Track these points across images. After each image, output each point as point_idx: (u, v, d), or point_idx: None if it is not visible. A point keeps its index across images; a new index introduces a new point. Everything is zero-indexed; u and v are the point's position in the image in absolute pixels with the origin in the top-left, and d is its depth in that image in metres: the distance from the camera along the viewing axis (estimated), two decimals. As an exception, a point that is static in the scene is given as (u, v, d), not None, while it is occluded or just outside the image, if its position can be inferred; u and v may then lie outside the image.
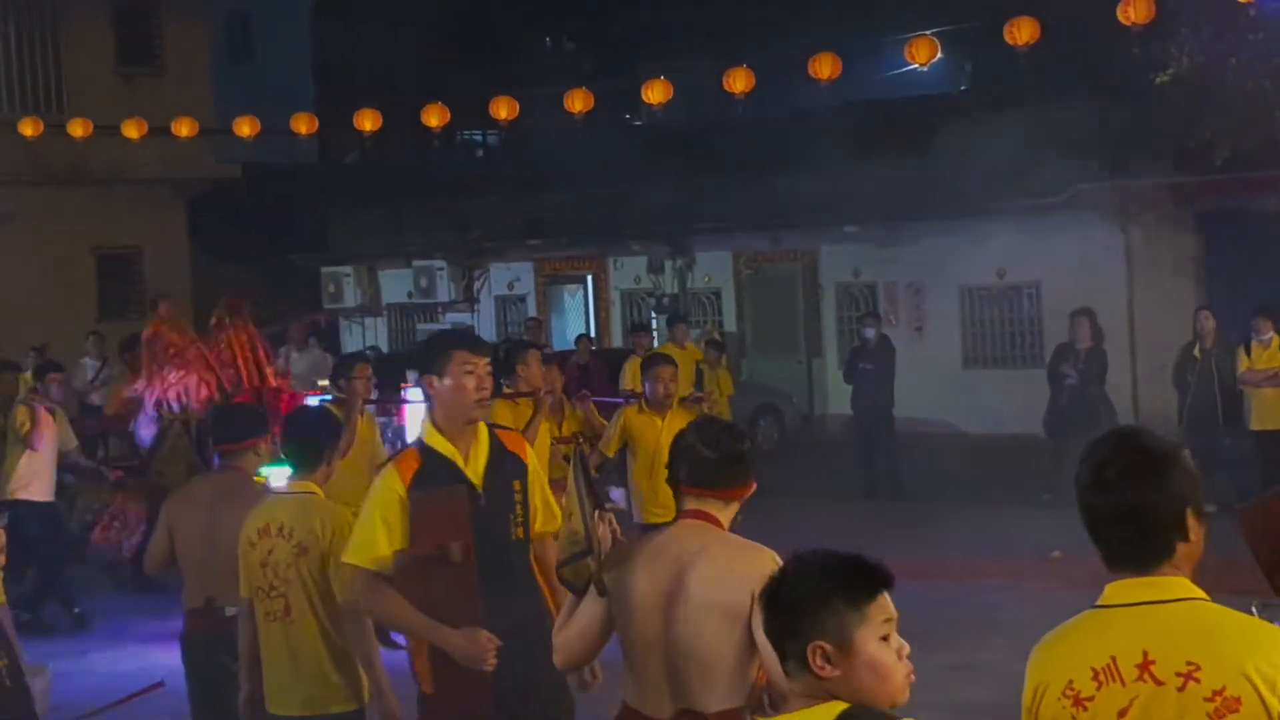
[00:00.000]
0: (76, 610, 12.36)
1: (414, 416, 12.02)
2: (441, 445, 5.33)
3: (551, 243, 26.59)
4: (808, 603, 2.99)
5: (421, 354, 5.61)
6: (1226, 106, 17.13)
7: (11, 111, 23.95)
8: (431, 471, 5.28)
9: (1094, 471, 3.19)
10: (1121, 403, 17.44)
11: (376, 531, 5.20)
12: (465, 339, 5.68)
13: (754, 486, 4.49)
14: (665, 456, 9.14)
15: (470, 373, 5.33)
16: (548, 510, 5.51)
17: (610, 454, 10.18)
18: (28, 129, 20.40)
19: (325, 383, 12.74)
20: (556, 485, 9.95)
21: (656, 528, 8.81)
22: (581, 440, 10.75)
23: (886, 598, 3.03)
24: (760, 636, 4.07)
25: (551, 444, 10.11)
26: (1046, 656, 3.22)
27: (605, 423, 10.53)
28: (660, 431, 9.70)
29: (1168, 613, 3.06)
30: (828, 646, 2.95)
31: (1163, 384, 16.62)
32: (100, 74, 26.72)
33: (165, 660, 9.26)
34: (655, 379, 9.91)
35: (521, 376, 9.73)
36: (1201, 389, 14.96)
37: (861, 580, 3.02)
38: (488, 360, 5.38)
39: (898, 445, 17.42)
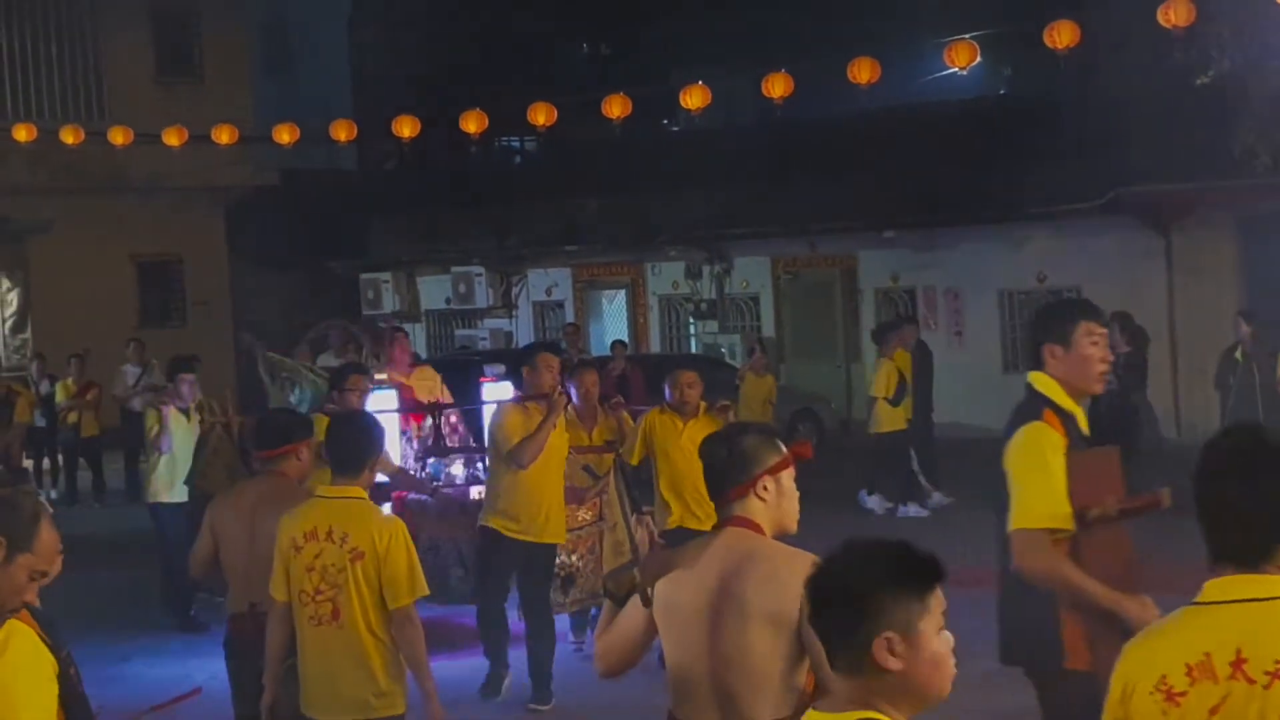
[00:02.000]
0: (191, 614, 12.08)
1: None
2: (1070, 406, 5.35)
3: (589, 248, 26.63)
4: (873, 593, 2.93)
5: (1043, 323, 5.57)
6: (1267, 109, 17.04)
7: (52, 120, 24.11)
8: (1069, 431, 5.29)
9: (1207, 463, 3.17)
10: (1162, 406, 17.36)
11: (1053, 488, 5.01)
12: (1090, 309, 5.55)
13: (761, 478, 4.35)
14: (685, 463, 8.97)
15: (1095, 342, 5.37)
16: None
17: (634, 461, 9.85)
18: (68, 137, 20.54)
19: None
20: (575, 492, 10.01)
21: (686, 534, 8.65)
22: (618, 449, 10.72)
23: (939, 589, 3.01)
24: (813, 643, 4.07)
25: (571, 452, 9.86)
26: (1139, 654, 3.19)
27: None
28: (680, 436, 9.59)
29: (1264, 610, 3.04)
30: (895, 637, 2.91)
31: (1204, 388, 16.55)
32: (140, 82, 26.91)
33: (207, 665, 9.31)
34: (674, 384, 9.80)
35: (529, 380, 9.48)
36: (1243, 393, 14.89)
37: (923, 570, 2.98)
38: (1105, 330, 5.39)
39: (936, 450, 17.37)
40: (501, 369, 14.28)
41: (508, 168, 31.51)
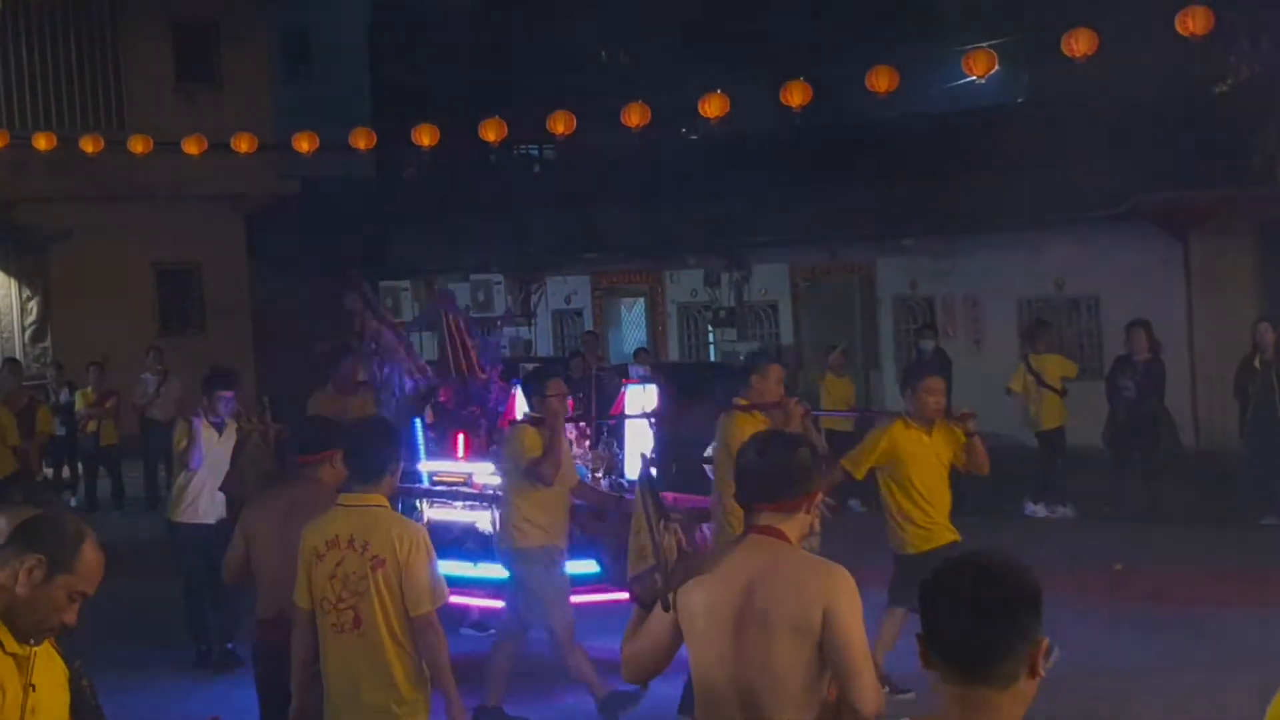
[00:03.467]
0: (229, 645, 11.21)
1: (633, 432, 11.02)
2: None
3: (608, 256, 26.65)
4: (1038, 599, 2.95)
5: None
6: (1286, 117, 17.01)
7: (73, 128, 24.21)
8: None
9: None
10: (1180, 415, 17.32)
11: None
12: None
13: (814, 496, 4.45)
14: (932, 479, 8.86)
15: None
16: None
17: (859, 475, 9.22)
18: (89, 145, 20.61)
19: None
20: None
21: (926, 556, 8.50)
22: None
23: None
24: (848, 653, 4.09)
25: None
26: None
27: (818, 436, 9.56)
28: (926, 449, 9.03)
29: None
30: (1045, 644, 2.96)
31: (1222, 396, 16.51)
32: (160, 91, 27.01)
33: (231, 694, 9.25)
34: (927, 391, 9.06)
35: (756, 388, 8.87)
36: (1262, 401, 14.85)
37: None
38: None
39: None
40: (645, 370, 13.41)
41: (527, 176, 31.55)
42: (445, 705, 5.86)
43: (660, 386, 11.66)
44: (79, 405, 20.02)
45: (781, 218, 23.88)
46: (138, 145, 20.55)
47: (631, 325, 28.25)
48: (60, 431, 20.07)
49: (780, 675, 4.23)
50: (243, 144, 20.39)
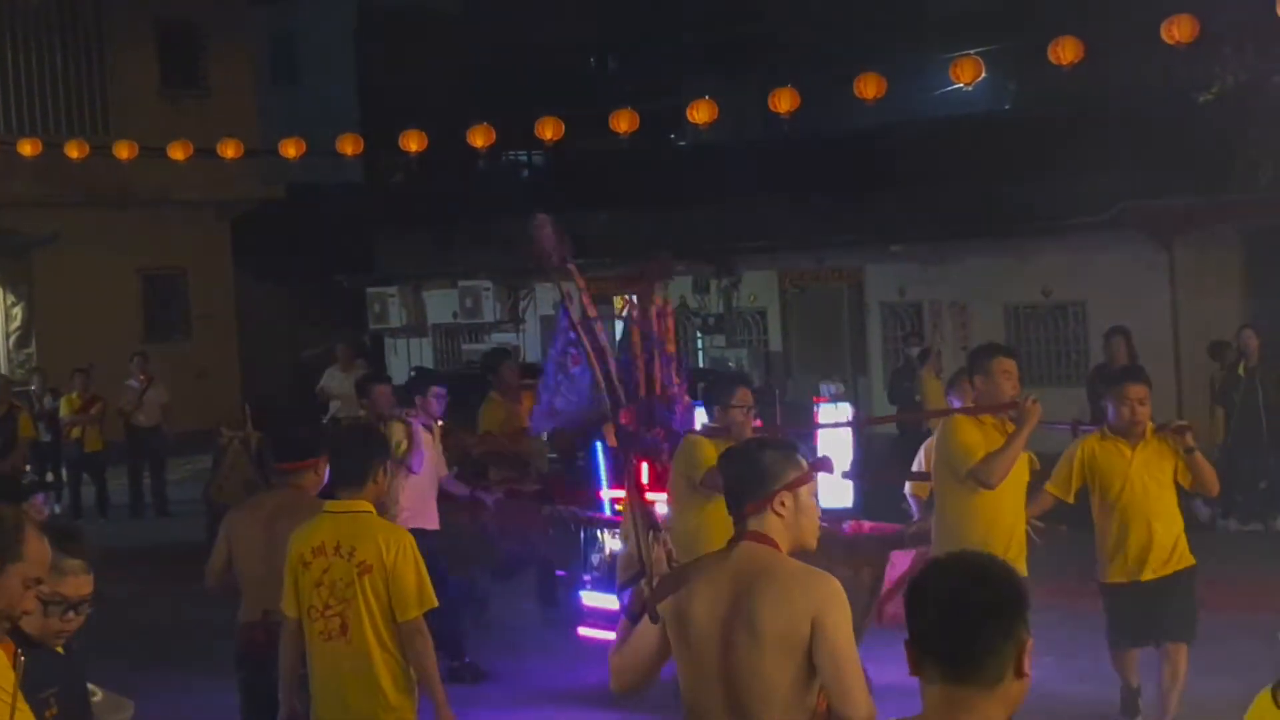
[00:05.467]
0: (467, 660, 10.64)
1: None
2: None
3: (596, 262, 26.63)
4: (1024, 601, 2.97)
5: None
6: (1270, 124, 17.06)
7: (57, 134, 24.15)
8: None
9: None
10: (1165, 421, 17.32)
11: None
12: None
13: (781, 493, 4.33)
14: (1138, 500, 7.93)
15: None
16: None
17: (1070, 497, 8.22)
18: (73, 151, 20.57)
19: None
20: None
21: (1127, 588, 7.87)
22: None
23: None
24: (837, 662, 4.08)
25: None
26: None
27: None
28: (1130, 465, 8.02)
29: None
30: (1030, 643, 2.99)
31: (1208, 402, 16.53)
32: (145, 96, 26.97)
33: (215, 699, 9.19)
34: (1122, 399, 8.09)
35: (983, 389, 7.97)
36: (1246, 407, 14.90)
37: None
38: None
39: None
40: (838, 388, 12.54)
41: (515, 182, 31.53)
42: (434, 711, 5.86)
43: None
44: (64, 411, 19.97)
45: (770, 224, 23.88)
46: (123, 151, 20.52)
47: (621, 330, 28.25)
48: (46, 438, 20.04)
49: (769, 685, 4.20)
50: (228, 149, 20.37)
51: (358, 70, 33.38)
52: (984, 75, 15.58)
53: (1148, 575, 7.91)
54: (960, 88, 15.64)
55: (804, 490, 4.38)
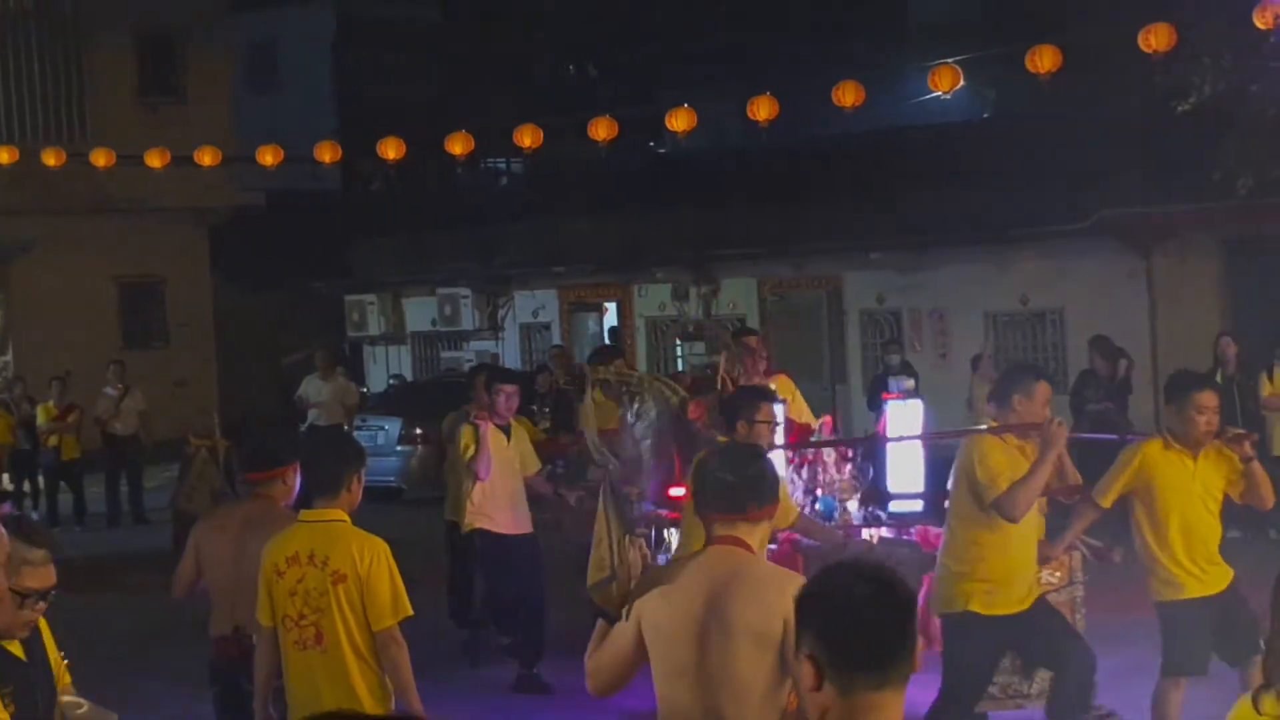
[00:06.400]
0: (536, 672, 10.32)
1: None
2: None
3: (576, 270, 26.63)
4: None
5: None
6: (1248, 134, 17.11)
7: (34, 141, 24.05)
8: None
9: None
10: (1144, 428, 17.37)
11: None
12: None
13: (776, 506, 4.51)
14: (1195, 514, 7.46)
15: None
16: None
17: (1106, 504, 7.66)
18: (50, 159, 20.48)
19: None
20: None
21: (1193, 604, 7.37)
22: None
23: None
24: (796, 663, 4.08)
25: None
26: None
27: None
28: (1193, 479, 7.50)
29: None
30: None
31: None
32: (123, 103, 26.89)
33: (192, 709, 9.13)
34: (1199, 408, 7.47)
35: (1019, 409, 7.49)
36: (1224, 415, 14.90)
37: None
38: None
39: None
40: (909, 384, 12.02)
41: (494, 189, 31.54)
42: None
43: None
44: (40, 419, 19.89)
45: (749, 231, 23.91)
46: (100, 158, 20.44)
47: (599, 339, 28.24)
48: (26, 446, 19.95)
49: (742, 684, 4.24)
50: (206, 157, 20.30)
51: (336, 78, 33.36)
52: (962, 84, 15.59)
53: (1215, 589, 7.52)
54: (938, 96, 15.66)
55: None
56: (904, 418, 9.36)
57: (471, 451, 10.10)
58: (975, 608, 7.24)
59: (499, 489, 10.23)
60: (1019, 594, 7.33)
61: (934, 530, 8.80)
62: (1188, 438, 7.51)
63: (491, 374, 10.85)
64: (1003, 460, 7.30)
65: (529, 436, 11.02)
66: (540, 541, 10.62)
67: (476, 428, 10.11)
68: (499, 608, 10.60)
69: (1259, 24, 13.97)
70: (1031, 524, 7.44)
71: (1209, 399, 7.53)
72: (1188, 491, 7.51)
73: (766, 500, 4.43)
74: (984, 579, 7.27)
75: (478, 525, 10.29)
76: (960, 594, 7.33)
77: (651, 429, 9.83)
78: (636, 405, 9.98)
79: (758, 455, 4.55)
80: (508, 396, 10.25)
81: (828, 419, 10.80)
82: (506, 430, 10.29)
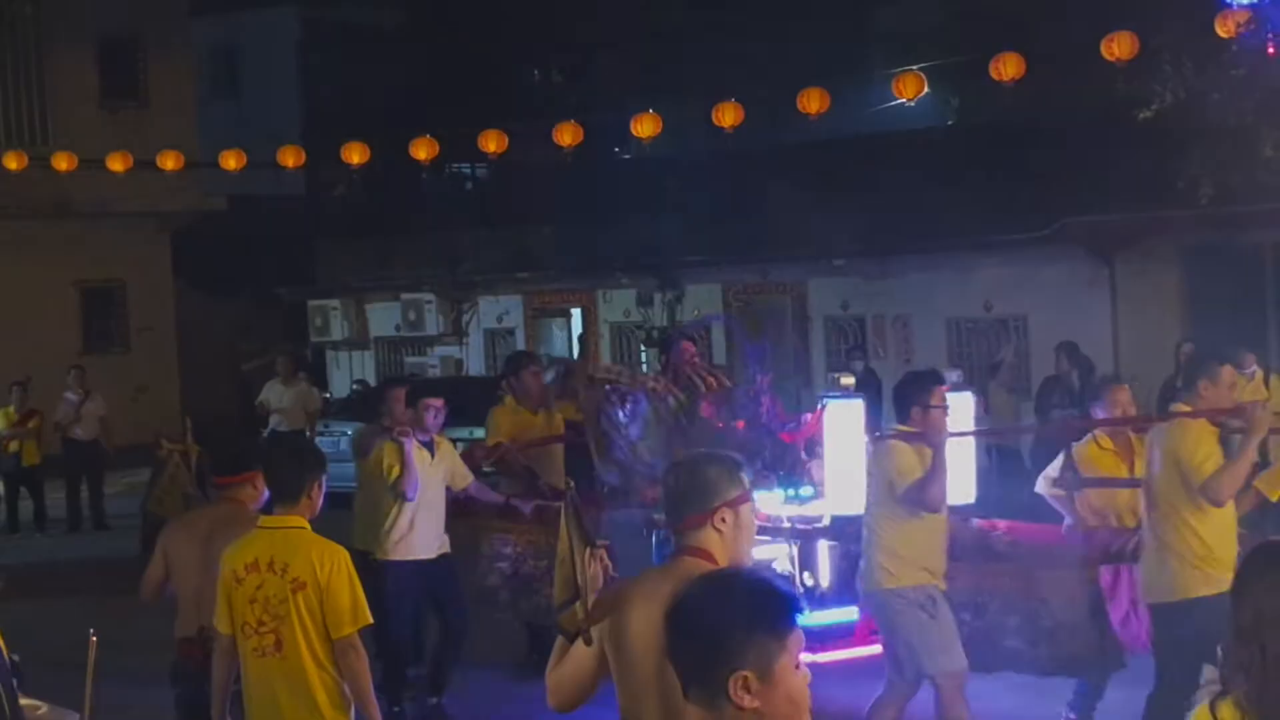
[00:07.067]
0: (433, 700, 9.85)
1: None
2: None
3: (540, 276, 26.60)
4: (732, 630, 2.90)
5: None
6: (1209, 142, 17.20)
7: (-4, 144, 23.91)
8: None
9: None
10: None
11: None
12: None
13: (723, 509, 4.31)
14: None
15: None
16: None
17: (1275, 496, 7.90)
18: (12, 163, 20.37)
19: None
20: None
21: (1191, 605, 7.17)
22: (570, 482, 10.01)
23: (799, 625, 2.98)
24: None
25: None
26: None
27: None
28: None
29: None
30: (751, 676, 2.88)
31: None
32: (85, 108, 26.73)
33: (153, 716, 9.07)
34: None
35: (1206, 395, 7.58)
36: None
37: (783, 608, 2.94)
38: None
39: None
40: (850, 381, 11.98)
41: (459, 195, 31.48)
42: (369, 728, 5.80)
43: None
44: (0, 425, 19.74)
45: (714, 238, 23.92)
46: (62, 162, 20.33)
47: (564, 345, 28.21)
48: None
49: None
50: (168, 161, 20.22)
51: (300, 82, 33.22)
52: (926, 91, 15.65)
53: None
54: (903, 103, 15.71)
55: (744, 507, 4.33)
56: (844, 418, 9.09)
57: (396, 471, 9.37)
58: (1201, 591, 7.22)
59: (422, 511, 9.50)
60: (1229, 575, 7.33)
61: (1002, 523, 8.74)
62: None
63: (415, 389, 10.32)
64: (1213, 446, 7.39)
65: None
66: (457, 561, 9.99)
67: (401, 445, 9.38)
68: (404, 641, 9.85)
69: (1220, 32, 14.09)
70: (1232, 508, 7.48)
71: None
72: None
73: (704, 504, 4.28)
74: (1203, 560, 7.32)
75: (395, 556, 9.54)
76: (1185, 579, 7.36)
77: (651, 429, 9.59)
78: (629, 406, 9.70)
79: (705, 460, 4.46)
80: (436, 412, 9.63)
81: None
82: (430, 447, 9.60)
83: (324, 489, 5.99)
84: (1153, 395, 16.07)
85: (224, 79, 33.22)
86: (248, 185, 24.15)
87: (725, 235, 23.80)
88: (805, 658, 3.01)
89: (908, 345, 23.04)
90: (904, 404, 7.86)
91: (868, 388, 17.56)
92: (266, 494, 6.44)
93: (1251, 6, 14.29)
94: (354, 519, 9.92)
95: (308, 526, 5.90)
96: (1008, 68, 14.42)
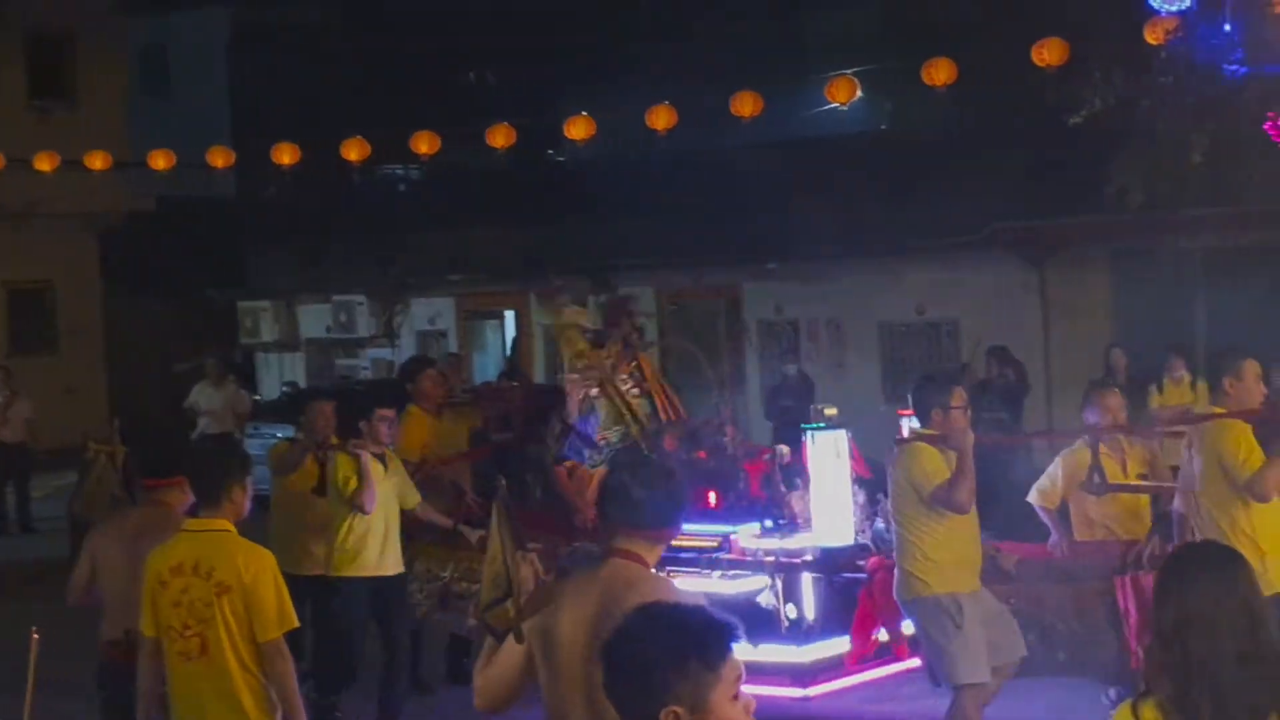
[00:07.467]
0: None
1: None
2: None
3: (473, 278, 26.50)
4: (661, 664, 2.84)
5: None
6: (1139, 148, 17.37)
7: (-78, 143, 23.57)
8: None
9: None
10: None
11: None
12: None
13: (680, 528, 4.46)
14: None
15: None
16: None
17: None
18: (-62, 162, 20.08)
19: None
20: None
21: None
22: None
23: (736, 654, 2.92)
24: None
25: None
26: None
27: None
28: None
29: None
30: (682, 711, 2.82)
31: (1078, 420, 16.76)
32: (13, 107, 26.41)
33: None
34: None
35: (1233, 394, 7.57)
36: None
37: (716, 639, 2.88)
38: None
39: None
40: (833, 412, 11.77)
41: (392, 196, 31.29)
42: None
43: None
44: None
45: (648, 241, 23.91)
46: (-12, 162, 20.06)
47: (497, 348, 28.15)
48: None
49: None
50: (97, 161, 20.00)
51: (231, 83, 32.94)
52: (859, 95, 15.72)
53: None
54: (836, 107, 15.76)
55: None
56: (828, 449, 9.16)
57: (354, 484, 9.18)
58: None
59: (376, 525, 9.31)
60: None
61: (1004, 545, 8.67)
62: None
63: (366, 401, 10.10)
64: (1253, 442, 7.36)
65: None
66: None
67: (357, 458, 9.21)
68: (351, 661, 9.58)
69: (1149, 40, 14.22)
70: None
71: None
72: None
73: (671, 522, 4.38)
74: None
75: (349, 572, 9.35)
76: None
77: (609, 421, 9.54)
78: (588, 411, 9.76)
79: (671, 475, 4.49)
80: (390, 424, 9.47)
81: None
82: (383, 460, 9.42)
83: (250, 492, 5.95)
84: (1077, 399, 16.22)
85: (154, 79, 32.91)
86: (178, 186, 23.93)
87: (659, 238, 23.80)
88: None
89: (840, 349, 23.13)
90: (924, 407, 7.80)
91: (801, 391, 17.64)
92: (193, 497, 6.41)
93: (1180, 14, 14.43)
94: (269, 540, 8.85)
95: (233, 530, 5.88)
96: (939, 73, 14.51)
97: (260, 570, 5.74)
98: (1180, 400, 14.73)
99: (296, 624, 5.85)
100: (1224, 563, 3.55)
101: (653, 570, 4.38)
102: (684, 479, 4.50)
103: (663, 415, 10.17)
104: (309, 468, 9.82)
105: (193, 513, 6.26)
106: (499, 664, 4.39)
